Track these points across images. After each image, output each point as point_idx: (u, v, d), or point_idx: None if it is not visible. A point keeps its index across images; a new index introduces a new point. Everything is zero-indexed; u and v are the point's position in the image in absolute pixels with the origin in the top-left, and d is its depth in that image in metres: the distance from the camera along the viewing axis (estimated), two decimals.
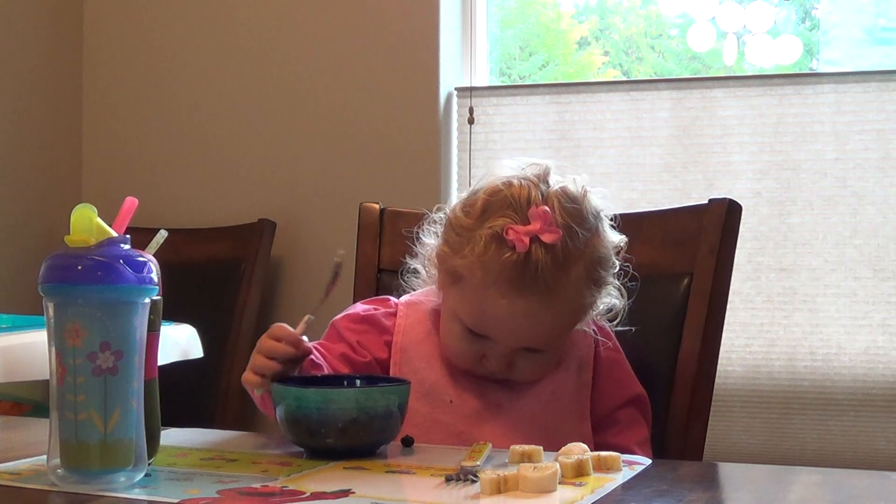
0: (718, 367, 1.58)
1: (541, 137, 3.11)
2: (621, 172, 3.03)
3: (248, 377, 1.26)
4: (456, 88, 3.18)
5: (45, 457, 1.07)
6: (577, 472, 1.08)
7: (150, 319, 1.08)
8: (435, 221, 1.46)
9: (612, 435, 1.43)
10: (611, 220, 1.44)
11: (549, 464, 1.05)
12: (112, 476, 1.04)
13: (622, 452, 1.17)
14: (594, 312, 1.43)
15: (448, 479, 1.06)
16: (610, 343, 1.46)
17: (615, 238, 1.42)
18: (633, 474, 1.12)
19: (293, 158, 3.28)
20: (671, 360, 1.55)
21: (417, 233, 1.48)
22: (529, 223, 1.33)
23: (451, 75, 3.19)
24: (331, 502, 0.98)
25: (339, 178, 3.22)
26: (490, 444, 1.20)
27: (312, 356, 1.34)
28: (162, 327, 1.18)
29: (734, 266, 1.58)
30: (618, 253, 1.42)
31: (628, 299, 1.44)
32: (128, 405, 1.04)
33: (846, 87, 2.89)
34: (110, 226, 1.07)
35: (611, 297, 1.43)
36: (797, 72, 3.07)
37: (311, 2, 3.27)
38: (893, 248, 2.85)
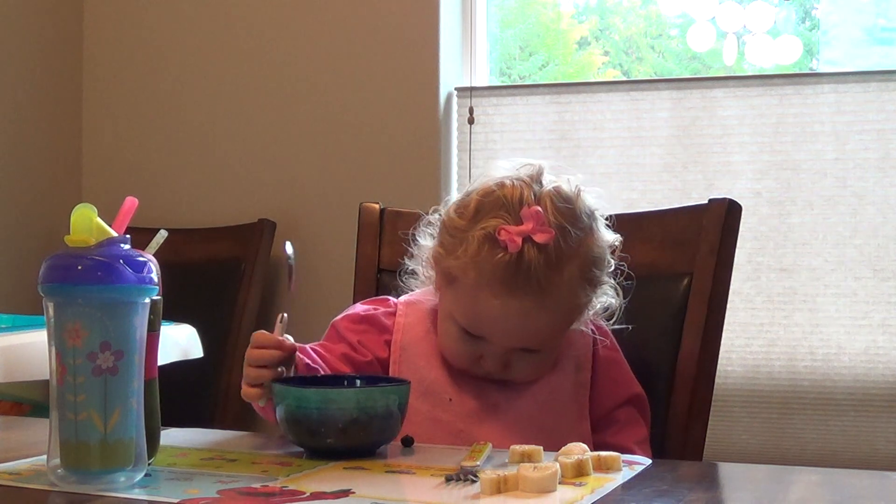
0: (718, 367, 1.58)
1: (541, 137, 3.11)
2: (621, 172, 3.03)
3: (247, 391, 1.26)
4: (456, 88, 3.18)
5: (45, 457, 1.07)
6: (577, 472, 1.08)
7: (150, 319, 1.08)
8: (431, 223, 1.47)
9: (611, 434, 1.43)
10: (606, 219, 1.43)
11: (549, 464, 1.05)
12: (112, 476, 1.04)
13: (621, 452, 1.17)
14: (590, 312, 1.43)
15: (448, 479, 1.06)
16: (608, 342, 1.46)
17: (610, 237, 1.42)
18: (633, 474, 1.12)
19: (293, 158, 3.28)
20: (671, 360, 1.55)
21: (414, 234, 1.48)
22: (522, 223, 1.33)
23: (451, 75, 3.19)
24: (331, 502, 0.98)
25: (339, 178, 3.22)
26: (490, 444, 1.20)
27: (307, 361, 1.34)
28: (162, 327, 1.18)
29: (734, 266, 1.58)
30: (613, 252, 1.42)
31: (624, 298, 1.44)
32: (128, 405, 1.04)
33: (846, 87, 2.89)
34: (110, 226, 1.07)
35: (607, 297, 1.43)
36: (797, 72, 3.07)
37: (311, 2, 3.27)
38: (893, 248, 2.85)
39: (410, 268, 1.51)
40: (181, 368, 2.30)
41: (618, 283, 1.44)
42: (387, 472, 1.13)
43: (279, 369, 1.27)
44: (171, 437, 1.27)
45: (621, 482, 1.08)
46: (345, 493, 1.02)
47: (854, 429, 2.85)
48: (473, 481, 1.05)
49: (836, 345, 2.86)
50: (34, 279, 1.06)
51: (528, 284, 1.32)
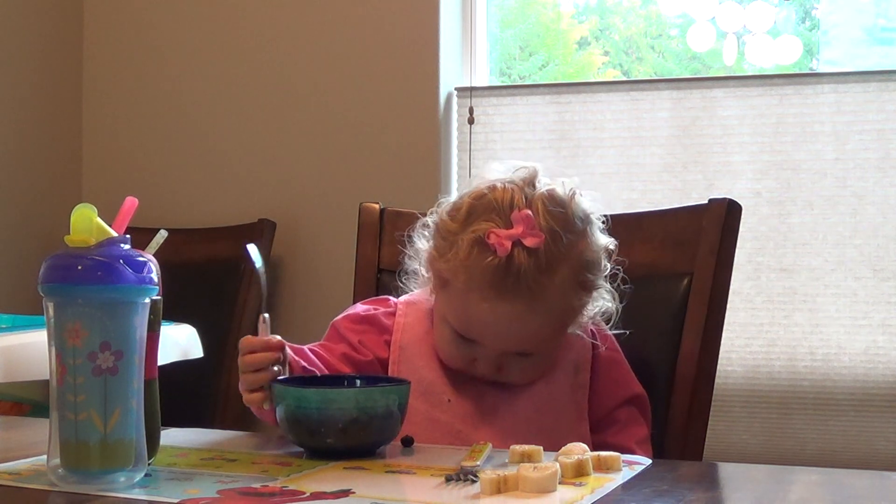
0: (718, 367, 1.58)
1: (541, 137, 3.11)
2: (621, 172, 3.02)
3: (250, 397, 1.26)
4: (456, 88, 3.18)
5: (45, 457, 1.07)
6: (577, 472, 1.08)
7: (150, 319, 1.08)
8: (427, 225, 1.46)
9: (612, 434, 1.43)
10: (603, 222, 1.43)
11: (549, 464, 1.05)
12: (112, 476, 1.04)
13: (622, 452, 1.17)
14: (585, 316, 1.42)
15: (448, 479, 1.06)
16: (608, 343, 1.46)
17: (605, 241, 1.41)
18: (633, 474, 1.12)
19: (293, 158, 3.28)
20: (671, 360, 1.55)
21: (410, 235, 1.48)
22: (512, 227, 1.33)
23: (451, 75, 3.19)
24: (331, 502, 0.98)
25: (339, 178, 3.22)
26: (490, 444, 1.20)
27: (304, 364, 1.34)
28: (162, 327, 1.18)
29: (734, 266, 1.58)
30: (610, 256, 1.42)
31: (621, 302, 1.44)
32: (128, 405, 1.04)
33: (846, 87, 2.89)
34: (110, 226, 1.07)
35: (603, 301, 1.42)
36: (797, 72, 3.07)
37: (312, 2, 3.27)
38: (893, 248, 2.85)
39: (409, 268, 1.51)
40: (181, 368, 2.30)
41: (616, 287, 1.43)
42: (387, 472, 1.13)
43: (275, 369, 1.27)
44: (171, 437, 1.27)
45: (621, 482, 1.08)
46: (345, 493, 1.02)
47: (854, 429, 2.85)
48: (473, 481, 1.05)
49: (836, 345, 2.86)
50: (34, 279, 1.06)
51: (518, 288, 1.32)
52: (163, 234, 1.20)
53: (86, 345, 1.02)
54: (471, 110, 3.14)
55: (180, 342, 2.39)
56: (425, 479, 1.09)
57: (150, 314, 1.08)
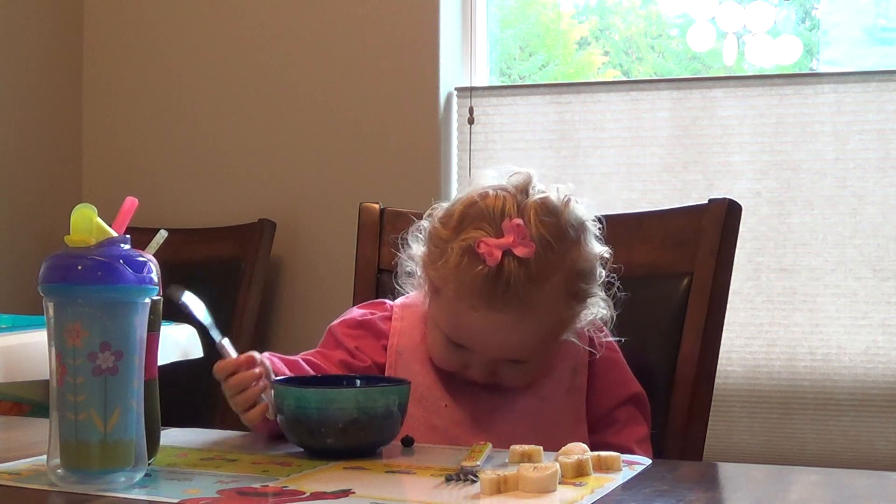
0: (718, 367, 1.58)
1: (541, 137, 3.11)
2: (621, 172, 3.02)
3: (248, 416, 1.25)
4: (456, 88, 3.18)
5: (45, 457, 1.07)
6: (577, 472, 1.08)
7: (150, 319, 1.08)
8: (422, 228, 1.45)
9: (611, 434, 1.43)
10: (599, 228, 1.41)
11: (549, 464, 1.05)
12: (112, 476, 1.04)
13: (621, 451, 1.17)
14: (579, 324, 1.40)
15: (448, 479, 1.06)
16: (605, 343, 1.45)
17: (599, 249, 1.39)
18: (633, 474, 1.12)
19: (293, 158, 3.28)
20: (671, 360, 1.55)
21: (405, 239, 1.47)
22: (503, 236, 1.31)
23: (451, 75, 3.19)
24: (331, 502, 0.98)
25: (339, 178, 3.22)
26: (490, 445, 1.20)
27: (286, 370, 1.33)
28: (162, 327, 1.18)
29: (734, 266, 1.58)
30: (605, 264, 1.41)
31: (616, 309, 1.42)
32: (128, 405, 1.04)
33: (846, 87, 2.89)
34: (110, 226, 1.07)
35: (598, 308, 1.41)
36: (797, 72, 3.07)
37: (311, 2, 3.27)
38: (893, 248, 2.85)
39: (405, 270, 1.50)
40: (181, 368, 2.30)
41: (612, 294, 1.42)
42: (387, 472, 1.13)
43: (261, 383, 1.25)
44: (171, 437, 1.27)
45: (621, 482, 1.08)
46: (345, 493, 1.02)
47: (854, 429, 2.85)
48: (473, 481, 1.05)
49: (836, 345, 2.86)
50: (34, 279, 1.06)
51: (508, 298, 1.31)
52: (163, 234, 1.20)
53: (86, 345, 1.02)
54: (471, 110, 3.14)
55: (180, 342, 2.39)
56: (425, 479, 1.09)
57: (150, 314, 1.08)
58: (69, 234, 1.05)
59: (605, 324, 1.44)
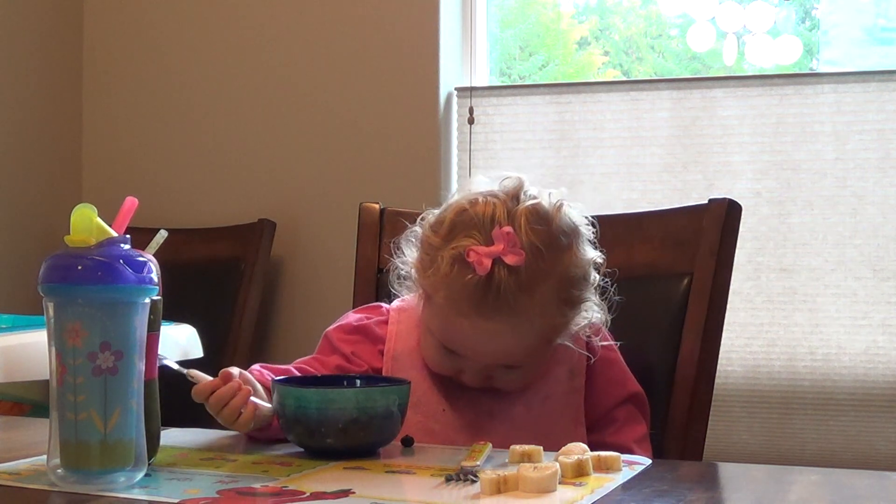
0: (718, 367, 1.58)
1: (541, 137, 3.11)
2: (621, 172, 3.02)
3: (237, 426, 1.24)
4: (456, 88, 3.18)
5: (45, 457, 1.07)
6: (577, 472, 1.08)
7: (150, 319, 1.08)
8: (415, 232, 1.45)
9: (611, 434, 1.43)
10: (593, 232, 1.40)
11: (549, 464, 1.05)
12: (112, 476, 1.04)
13: (621, 451, 1.17)
14: (573, 329, 1.39)
15: (448, 479, 1.06)
16: (603, 344, 1.44)
17: (591, 254, 1.38)
18: (633, 474, 1.12)
19: (293, 158, 3.28)
20: (671, 360, 1.55)
21: (399, 244, 1.46)
22: (493, 244, 1.31)
23: (451, 75, 3.19)
24: (331, 502, 0.98)
25: (339, 178, 3.22)
26: (490, 445, 1.20)
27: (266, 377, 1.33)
28: (162, 327, 1.18)
29: (734, 266, 1.58)
30: (598, 269, 1.40)
31: (612, 313, 1.41)
32: (128, 405, 1.04)
33: (846, 87, 2.89)
34: (110, 226, 1.07)
35: (592, 312, 1.40)
36: (797, 72, 3.07)
37: (311, 2, 3.27)
38: (893, 248, 2.85)
39: (401, 273, 1.49)
40: None
41: (607, 297, 1.41)
42: (387, 472, 1.13)
43: (242, 391, 1.25)
44: (171, 437, 1.27)
45: (621, 482, 1.08)
46: (345, 493, 1.02)
47: (854, 429, 2.85)
48: (473, 481, 1.05)
49: (836, 345, 2.86)
50: (34, 279, 1.06)
51: (499, 306, 1.30)
52: (163, 234, 1.20)
53: (86, 345, 1.02)
54: (471, 110, 3.14)
55: (180, 342, 2.39)
56: (425, 479, 1.09)
57: (150, 314, 1.08)
58: (69, 234, 1.05)
59: (599, 329, 1.43)
